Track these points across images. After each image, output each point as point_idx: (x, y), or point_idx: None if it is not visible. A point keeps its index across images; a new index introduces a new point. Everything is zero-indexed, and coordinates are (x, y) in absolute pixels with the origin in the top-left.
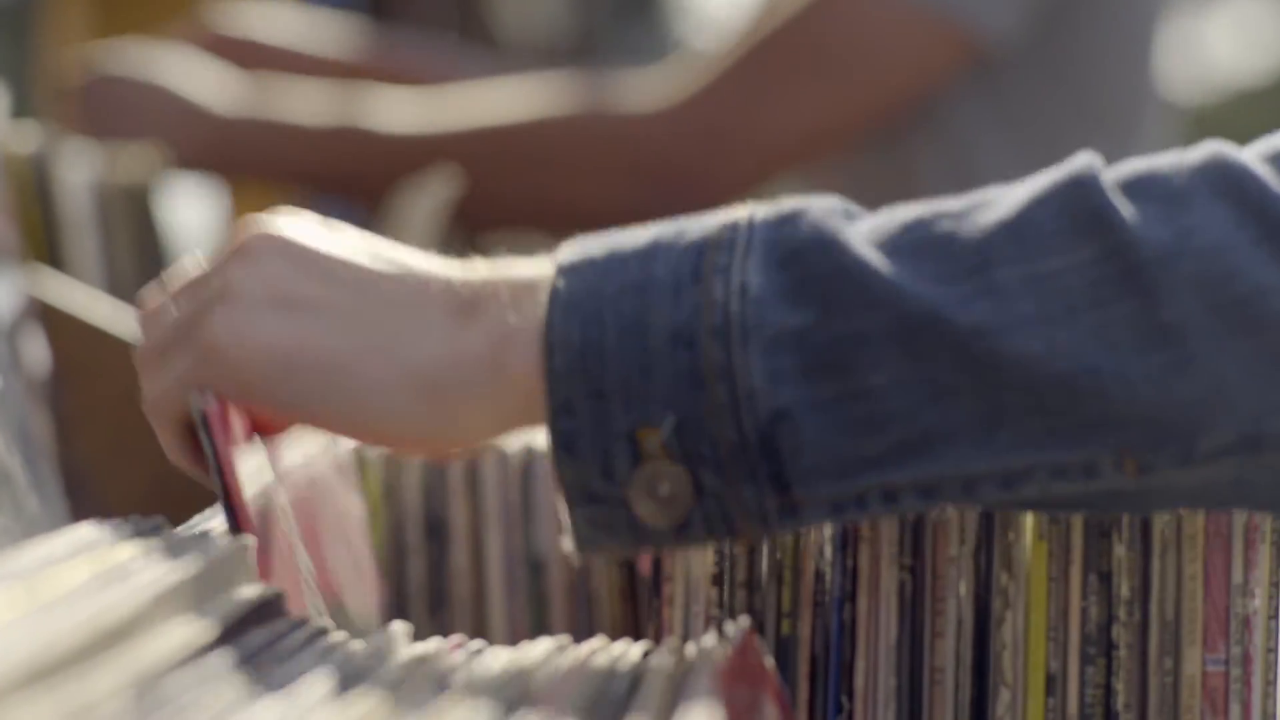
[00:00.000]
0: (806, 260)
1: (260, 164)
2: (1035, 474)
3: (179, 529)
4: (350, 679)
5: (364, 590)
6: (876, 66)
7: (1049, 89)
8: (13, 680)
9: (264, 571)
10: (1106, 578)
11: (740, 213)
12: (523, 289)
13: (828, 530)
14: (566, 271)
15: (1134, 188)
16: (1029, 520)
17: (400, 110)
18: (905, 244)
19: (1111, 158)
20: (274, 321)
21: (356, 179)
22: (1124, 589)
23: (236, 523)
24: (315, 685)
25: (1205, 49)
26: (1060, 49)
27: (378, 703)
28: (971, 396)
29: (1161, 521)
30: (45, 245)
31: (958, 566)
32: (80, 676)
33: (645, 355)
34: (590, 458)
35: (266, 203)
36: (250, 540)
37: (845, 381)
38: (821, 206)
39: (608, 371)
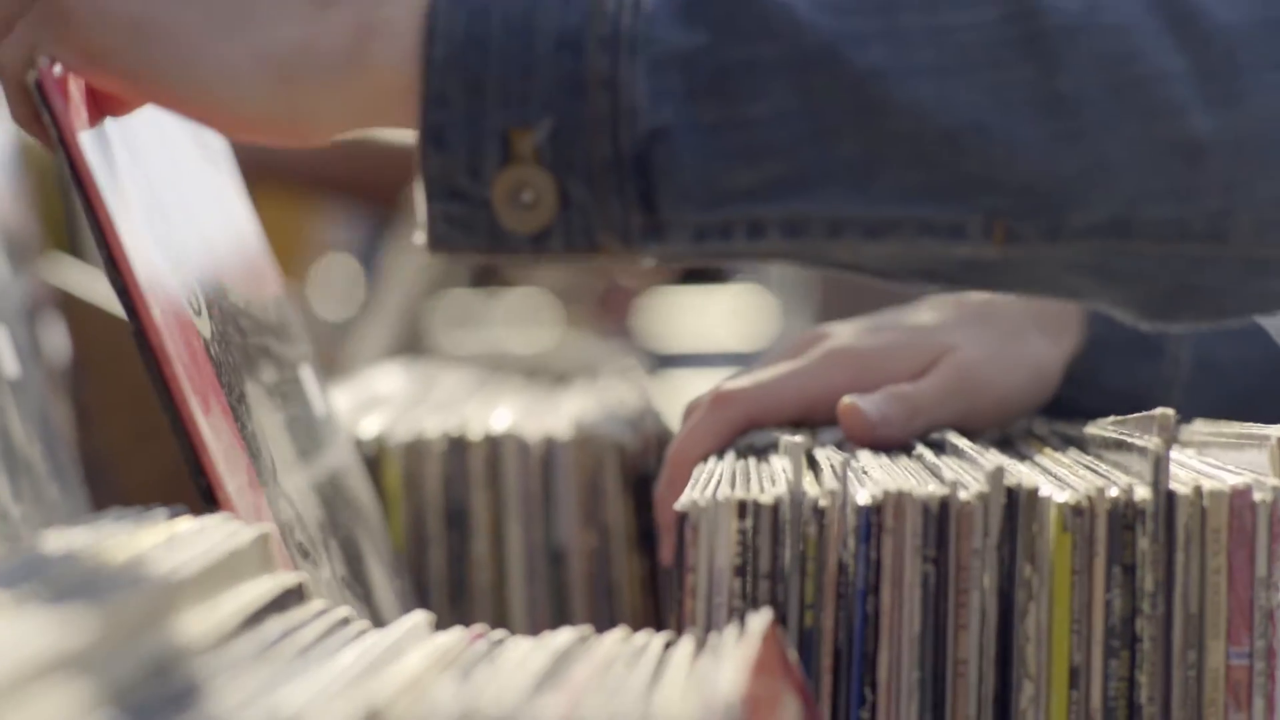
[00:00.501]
0: None
1: (284, 173)
2: (903, 227)
3: (201, 517)
4: (372, 667)
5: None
6: None
7: None
8: (33, 668)
9: None
10: (1130, 570)
11: None
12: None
13: (851, 522)
14: None
15: None
16: (1053, 512)
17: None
18: None
19: None
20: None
21: (366, 187)
22: (1148, 582)
23: (83, 187)
24: (336, 676)
25: None
26: None
27: (401, 691)
28: (854, 139)
29: (1185, 515)
30: (65, 234)
31: (981, 558)
32: (100, 666)
33: (529, 55)
34: (458, 151)
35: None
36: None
37: (729, 108)
38: None
39: (489, 67)
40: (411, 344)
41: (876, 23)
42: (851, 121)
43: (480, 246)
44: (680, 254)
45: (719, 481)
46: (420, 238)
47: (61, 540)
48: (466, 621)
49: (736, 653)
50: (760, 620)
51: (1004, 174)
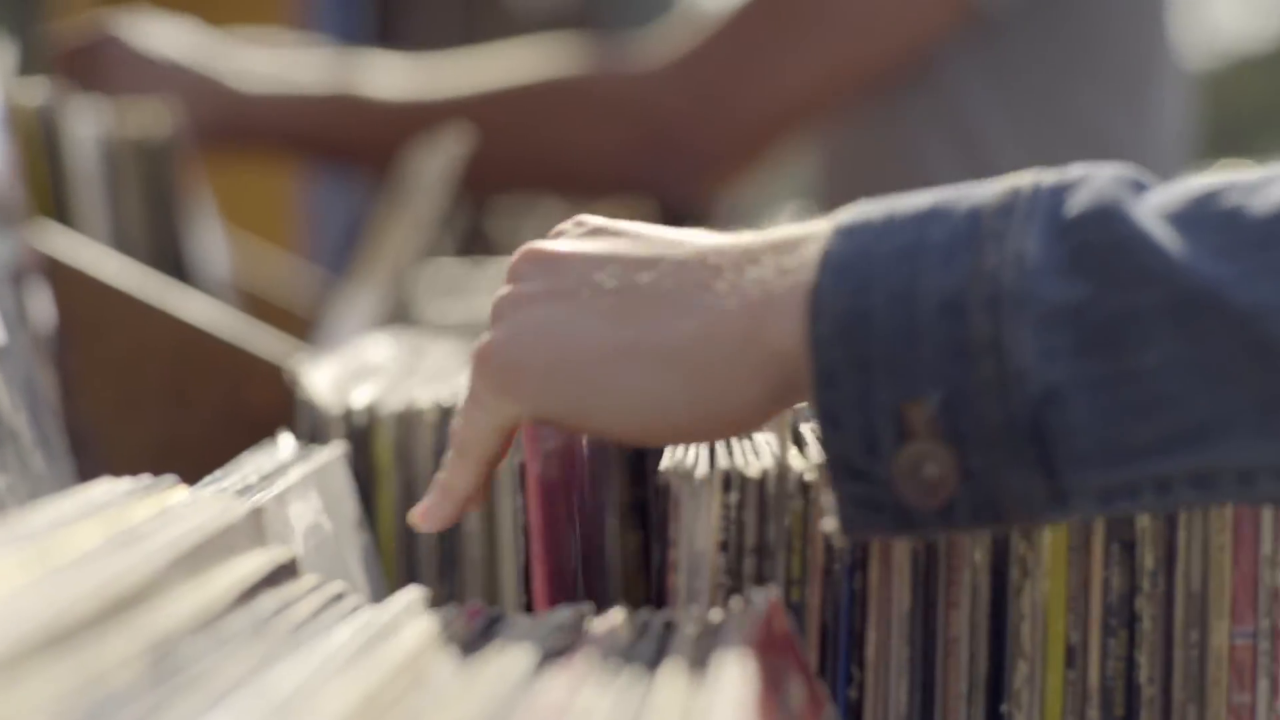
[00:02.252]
0: (1086, 230)
1: (268, 137)
2: None
3: (191, 489)
4: (368, 645)
5: None
6: (871, 24)
7: (1044, 48)
8: (26, 647)
9: None
10: (1130, 547)
11: (1024, 178)
12: (787, 250)
13: None
14: (843, 233)
15: None
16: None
17: (399, 77)
18: (1190, 216)
19: (1117, 120)
20: (533, 337)
21: (356, 147)
22: (1148, 559)
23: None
24: (331, 653)
25: (1208, 14)
26: (1059, 9)
27: (395, 672)
28: (1250, 382)
29: None
30: (52, 200)
31: (973, 534)
32: (95, 643)
33: (912, 324)
34: (853, 431)
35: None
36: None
37: (1118, 361)
38: (1108, 174)
39: (874, 340)
40: (399, 313)
41: (1256, 260)
42: (1244, 364)
43: (889, 527)
44: (1089, 517)
45: (699, 454)
46: (834, 522)
47: (52, 511)
48: (457, 596)
49: (743, 625)
50: (764, 596)
51: None
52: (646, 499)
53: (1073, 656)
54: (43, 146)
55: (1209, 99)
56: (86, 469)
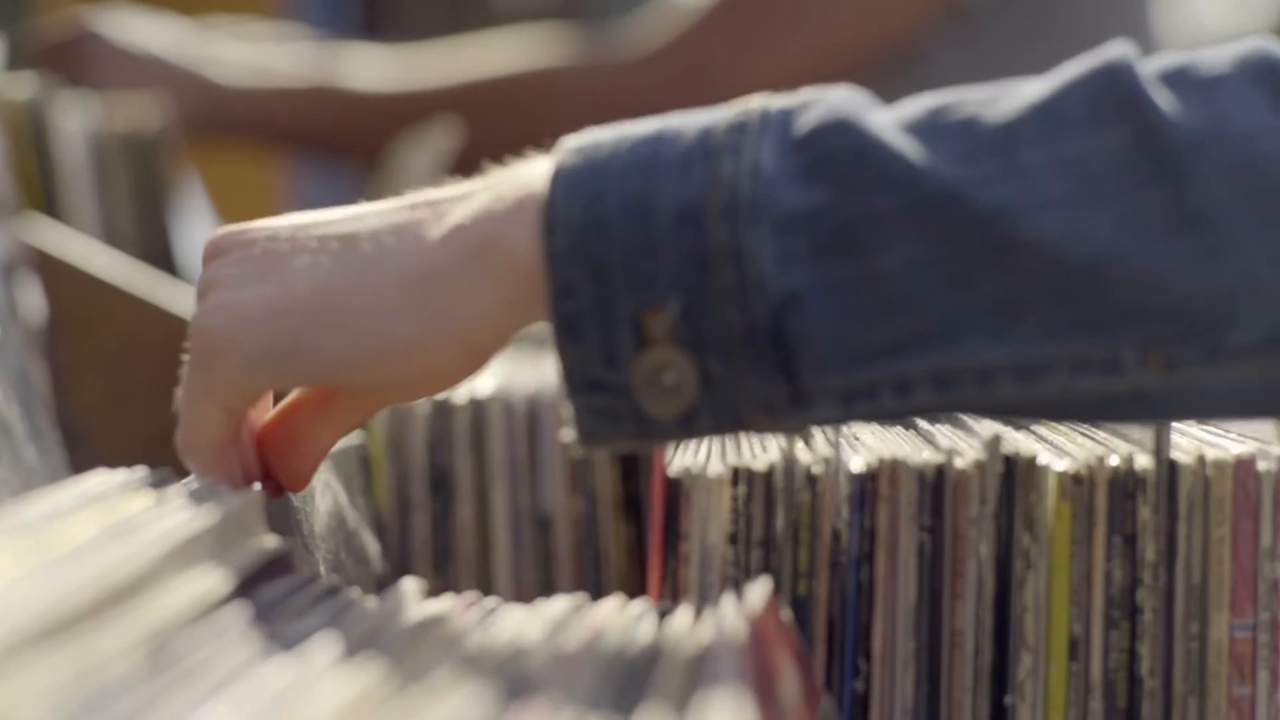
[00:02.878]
0: (822, 140)
1: (251, 130)
2: (1055, 367)
3: (185, 480)
4: (361, 641)
5: None
6: (853, 13)
7: (1026, 41)
8: (22, 637)
9: None
10: (1131, 540)
11: (753, 101)
12: (519, 176)
13: (845, 489)
14: (572, 152)
15: (1169, 76)
16: (1052, 481)
17: (381, 69)
18: (927, 126)
19: None
20: (253, 289)
21: (340, 139)
22: (1149, 552)
23: None
24: (326, 647)
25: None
26: (1040, 5)
27: (390, 667)
28: (991, 283)
29: (1188, 484)
30: (41, 193)
31: (978, 527)
32: (91, 634)
33: (650, 234)
34: (593, 341)
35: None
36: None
37: (858, 264)
38: (841, 93)
39: (611, 250)
40: None
41: (996, 162)
42: (984, 265)
43: (629, 435)
44: (829, 420)
45: (709, 448)
46: (570, 433)
47: (47, 503)
48: (451, 588)
49: (736, 625)
50: (759, 590)
51: (1151, 301)
52: (639, 494)
53: (1075, 648)
54: (31, 140)
55: None
56: (79, 461)
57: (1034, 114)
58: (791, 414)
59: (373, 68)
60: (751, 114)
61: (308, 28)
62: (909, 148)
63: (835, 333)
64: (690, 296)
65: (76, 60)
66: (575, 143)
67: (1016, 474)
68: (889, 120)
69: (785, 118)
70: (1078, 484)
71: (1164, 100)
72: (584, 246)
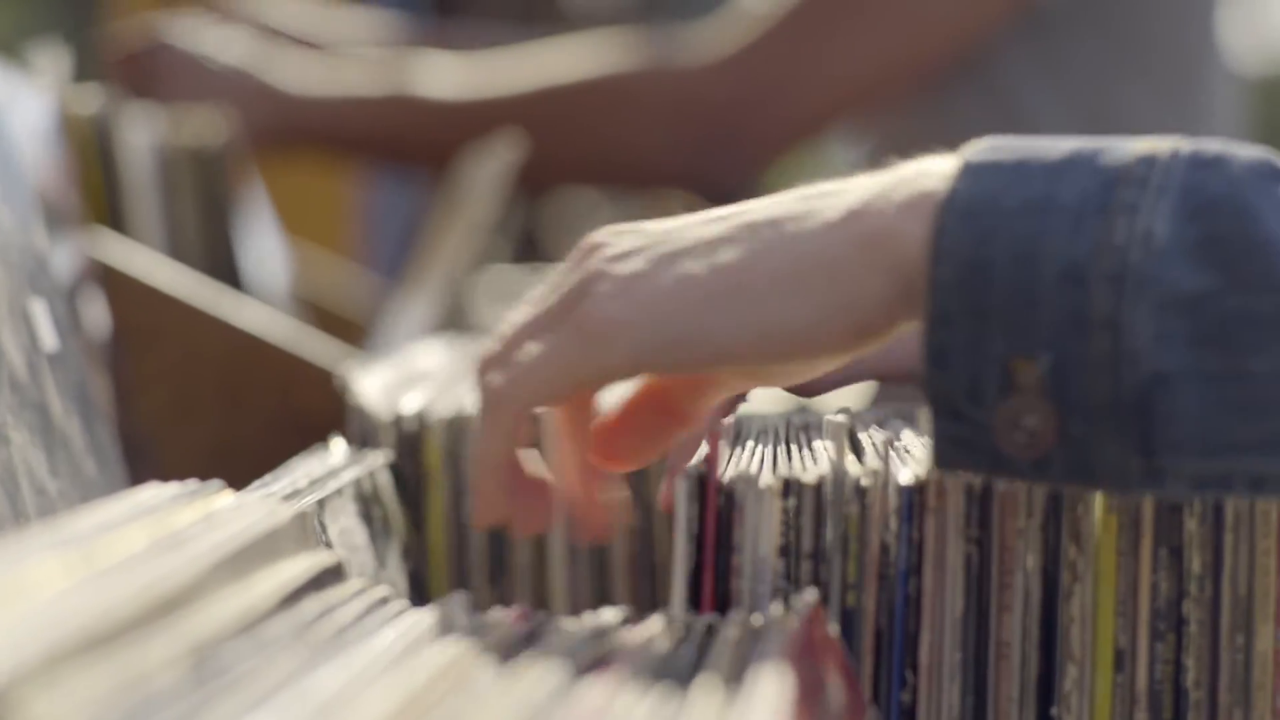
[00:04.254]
0: (1217, 218)
1: (323, 140)
2: None
3: (239, 493)
4: (411, 648)
5: None
6: (926, 16)
7: (1096, 42)
8: (68, 649)
9: None
10: (1177, 552)
11: (1162, 145)
12: (918, 172)
13: (893, 501)
14: (972, 172)
15: None
16: (1099, 493)
17: (452, 76)
18: None
19: (1164, 118)
20: (646, 281)
21: (412, 148)
22: (1195, 564)
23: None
24: (374, 656)
25: (1268, 19)
26: (1109, 7)
27: (437, 676)
28: None
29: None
30: (106, 207)
31: (1025, 539)
32: (136, 645)
33: (1033, 285)
34: (959, 375)
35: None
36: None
37: (1232, 360)
38: (1247, 159)
39: (993, 293)
40: (452, 319)
41: None
42: None
43: (981, 467)
44: (1177, 498)
45: (761, 461)
46: (928, 455)
47: (98, 515)
48: (507, 602)
49: (783, 631)
50: (805, 601)
51: None
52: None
53: (1121, 660)
54: (97, 154)
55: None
56: (141, 474)
57: None
58: (1142, 486)
59: (444, 75)
60: (1157, 164)
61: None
62: None
63: (1199, 421)
64: (1062, 354)
65: (149, 71)
66: (977, 155)
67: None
68: None
69: (1189, 177)
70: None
71: None
72: (967, 284)
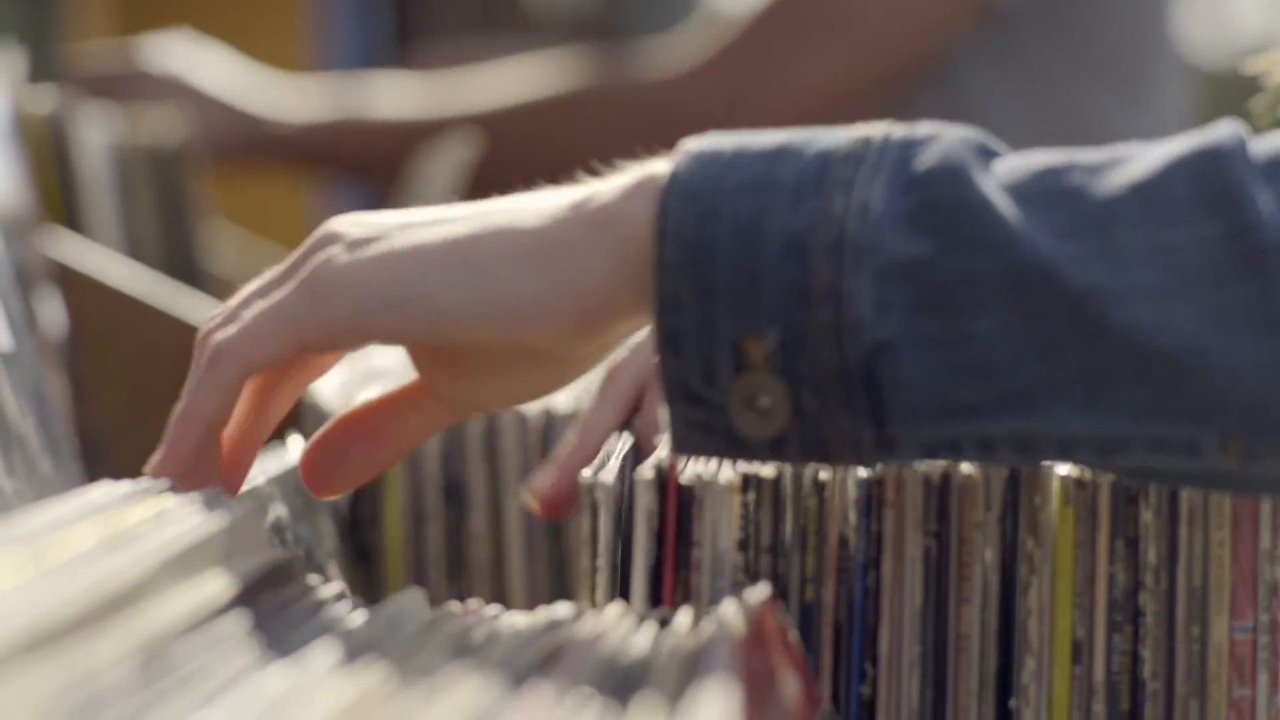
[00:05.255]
0: (931, 188)
1: (285, 158)
2: (1134, 445)
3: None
4: (361, 647)
5: None
6: (890, 24)
7: (1054, 45)
8: (15, 647)
9: None
10: (1133, 543)
11: (875, 129)
12: (643, 165)
13: (852, 494)
14: (691, 157)
15: (1274, 168)
16: (1056, 485)
17: (406, 95)
18: (1033, 191)
19: (1121, 116)
20: (377, 244)
21: (354, 166)
22: (1151, 555)
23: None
24: (325, 653)
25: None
26: (1066, 8)
27: (387, 673)
28: (1076, 358)
29: (1189, 489)
30: (63, 206)
31: (983, 532)
32: (84, 643)
33: (757, 262)
34: (693, 358)
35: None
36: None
37: (952, 323)
38: (957, 135)
39: (717, 272)
40: None
41: (1093, 242)
42: (1072, 341)
43: (719, 449)
44: (912, 461)
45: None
46: (665, 439)
47: (48, 514)
48: (465, 597)
49: (732, 632)
50: (757, 595)
51: (1230, 395)
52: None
53: (1079, 652)
54: (52, 153)
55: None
56: (99, 474)
57: (1135, 194)
58: (876, 455)
59: (399, 95)
60: (872, 144)
61: (340, 42)
62: (1012, 213)
63: (924, 386)
64: (788, 329)
65: (125, 95)
66: (695, 146)
67: (1021, 479)
68: (999, 177)
69: (903, 153)
70: (1081, 488)
71: (1265, 196)
72: (692, 266)
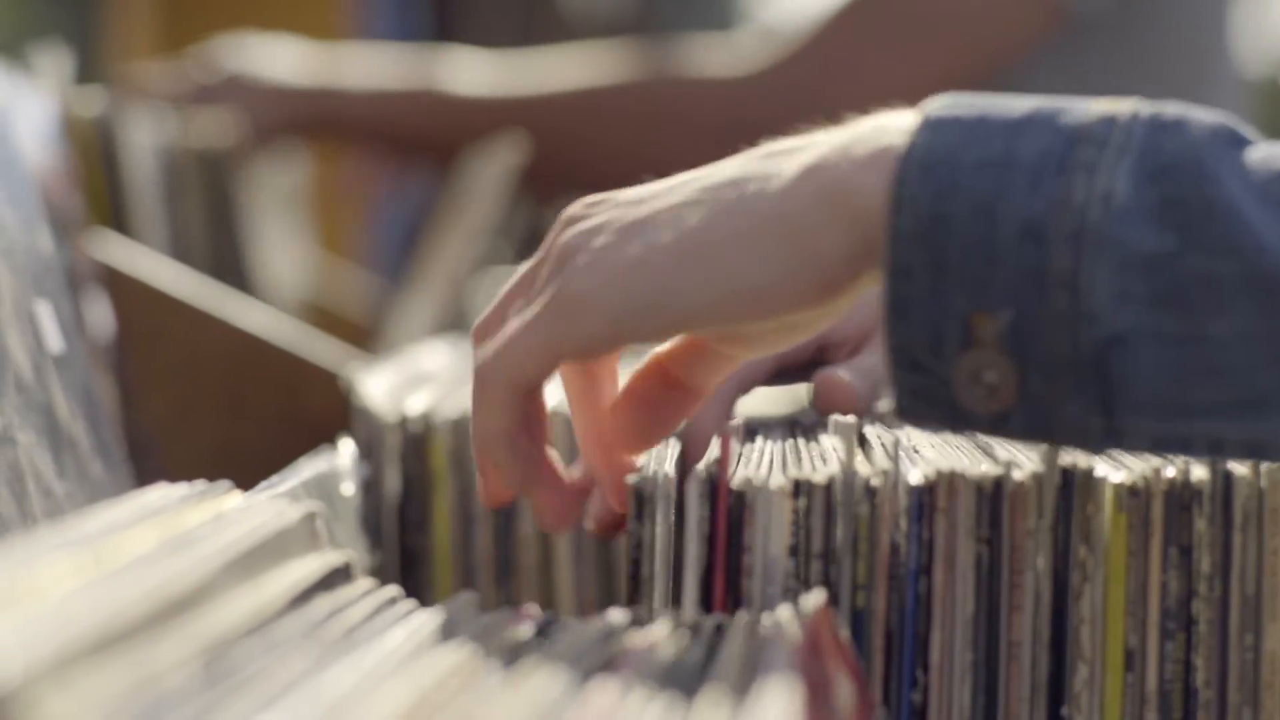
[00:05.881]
0: (1177, 181)
1: (336, 128)
2: None
3: (247, 494)
4: (420, 648)
5: None
6: (969, 30)
7: (1122, 54)
8: (81, 649)
9: None
10: (1187, 552)
11: (1122, 106)
12: (875, 127)
13: (903, 502)
14: (931, 126)
15: None
16: (1109, 493)
17: (477, 73)
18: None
19: None
20: (616, 250)
21: (431, 140)
22: (1205, 563)
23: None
24: (385, 655)
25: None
26: (1135, 16)
27: (447, 674)
28: None
29: (1243, 496)
30: (110, 209)
31: (1035, 539)
32: (148, 645)
33: (992, 241)
34: (921, 328)
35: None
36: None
37: (1191, 322)
38: (1207, 123)
39: (952, 247)
40: (456, 321)
41: None
42: None
43: (941, 420)
44: (1137, 451)
45: (770, 461)
46: (890, 403)
47: (107, 516)
48: (513, 601)
49: (790, 635)
50: (813, 601)
51: None
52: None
53: (1131, 660)
54: (100, 155)
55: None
56: (146, 476)
57: None
58: (1103, 444)
59: (473, 72)
60: (1117, 124)
61: (379, 38)
62: (1258, 216)
63: (1158, 383)
64: (1021, 311)
65: (223, 102)
66: (937, 110)
67: (1074, 486)
68: (1247, 174)
69: (1149, 138)
70: (1134, 496)
71: None
72: (927, 237)
